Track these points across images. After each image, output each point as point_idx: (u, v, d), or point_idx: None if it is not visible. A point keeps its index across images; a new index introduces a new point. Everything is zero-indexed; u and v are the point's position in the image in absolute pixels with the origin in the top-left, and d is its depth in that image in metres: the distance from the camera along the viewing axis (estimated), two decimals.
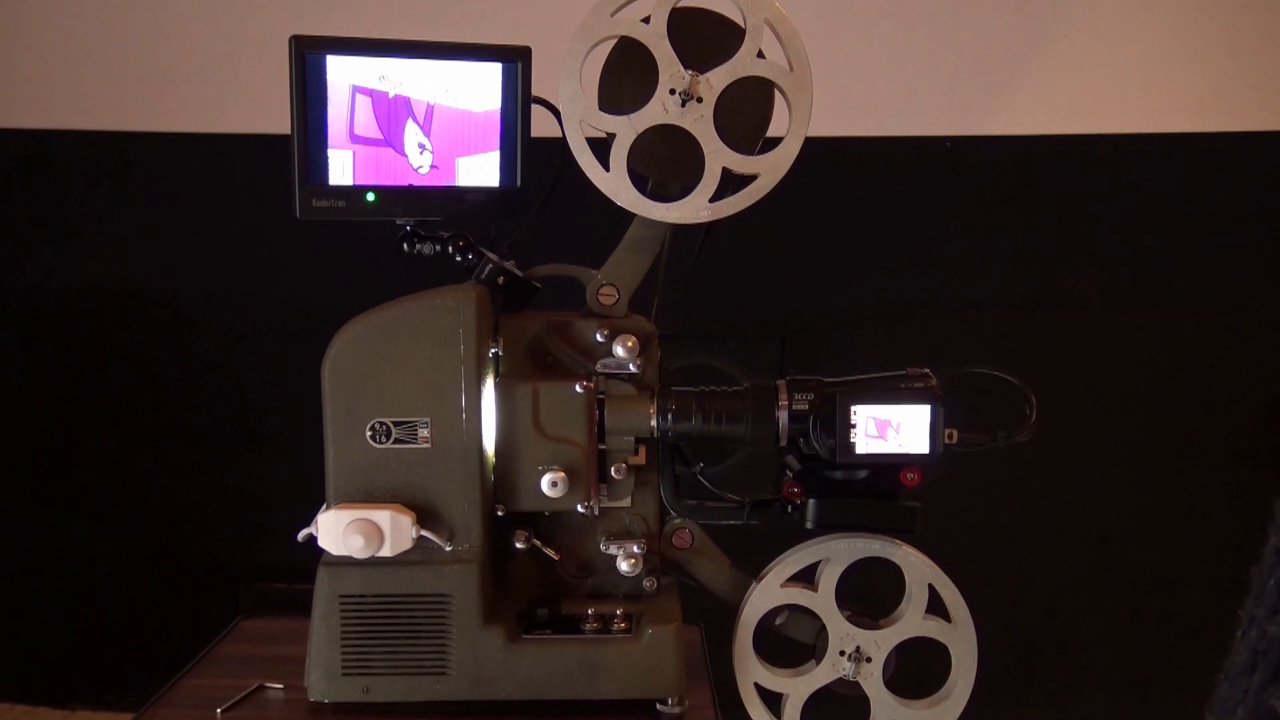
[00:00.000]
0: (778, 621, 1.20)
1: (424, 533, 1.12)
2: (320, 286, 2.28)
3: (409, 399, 1.13)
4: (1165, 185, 2.35)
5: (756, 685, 1.19)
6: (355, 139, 1.13)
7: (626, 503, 1.20)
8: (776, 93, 1.13)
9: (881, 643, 1.17)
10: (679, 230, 1.16)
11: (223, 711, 1.18)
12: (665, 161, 1.14)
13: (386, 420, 1.13)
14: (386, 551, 1.11)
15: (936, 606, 1.17)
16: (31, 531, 2.54)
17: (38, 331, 2.52)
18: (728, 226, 1.15)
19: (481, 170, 1.18)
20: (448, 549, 1.14)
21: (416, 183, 1.16)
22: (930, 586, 1.16)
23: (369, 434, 1.13)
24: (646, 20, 1.10)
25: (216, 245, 2.46)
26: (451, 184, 1.17)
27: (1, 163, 2.48)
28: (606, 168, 1.11)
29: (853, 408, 1.09)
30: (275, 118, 1.17)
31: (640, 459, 1.18)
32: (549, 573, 1.21)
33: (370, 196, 1.14)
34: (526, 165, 1.19)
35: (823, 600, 1.17)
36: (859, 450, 1.10)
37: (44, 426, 2.54)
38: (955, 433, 1.11)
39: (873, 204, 2.39)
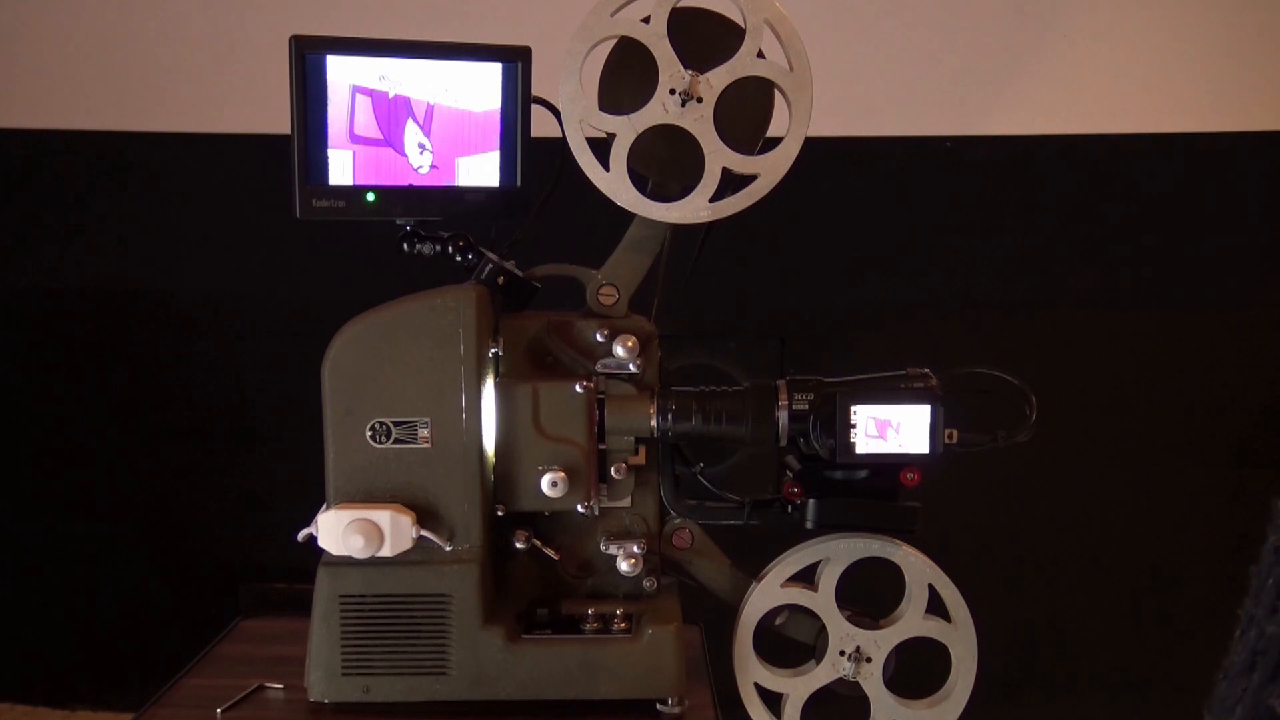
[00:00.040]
0: (778, 621, 1.20)
1: (424, 533, 1.12)
2: (320, 286, 2.28)
3: (409, 399, 1.13)
4: (1165, 185, 2.36)
5: (756, 685, 1.19)
6: (355, 139, 1.13)
7: (626, 503, 1.20)
8: (776, 93, 1.13)
9: (881, 643, 1.17)
10: (679, 230, 1.16)
11: (223, 711, 1.18)
12: (665, 161, 1.14)
13: (386, 420, 1.13)
14: (386, 551, 1.11)
15: (936, 606, 1.17)
16: (31, 531, 2.54)
17: (38, 331, 2.52)
18: (728, 226, 1.15)
19: (481, 170, 1.18)
20: (448, 549, 1.14)
21: (416, 183, 1.16)
22: (930, 586, 1.16)
23: (369, 434, 1.13)
24: (646, 20, 1.10)
25: (216, 245, 2.46)
26: (451, 184, 1.17)
27: (1, 163, 2.48)
28: (606, 168, 1.11)
29: (853, 408, 1.09)
30: (275, 118, 1.17)
31: (640, 459, 1.18)
32: (549, 573, 1.21)
33: (370, 196, 1.14)
34: (526, 165, 1.19)
35: (823, 600, 1.17)
36: (859, 450, 1.10)
37: (44, 426, 2.54)
38: (955, 433, 1.11)
39: (873, 204, 2.39)
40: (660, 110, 1.10)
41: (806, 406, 1.12)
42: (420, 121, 1.15)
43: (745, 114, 1.13)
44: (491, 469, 1.16)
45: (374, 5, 2.35)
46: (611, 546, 1.19)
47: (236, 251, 2.45)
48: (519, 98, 1.17)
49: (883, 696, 1.18)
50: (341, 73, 1.10)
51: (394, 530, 1.11)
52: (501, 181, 1.19)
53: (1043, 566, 2.42)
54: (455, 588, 1.13)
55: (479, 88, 1.16)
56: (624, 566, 1.18)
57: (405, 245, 1.19)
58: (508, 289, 1.19)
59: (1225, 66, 2.31)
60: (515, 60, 1.16)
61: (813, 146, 1.11)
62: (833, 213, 2.32)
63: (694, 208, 1.12)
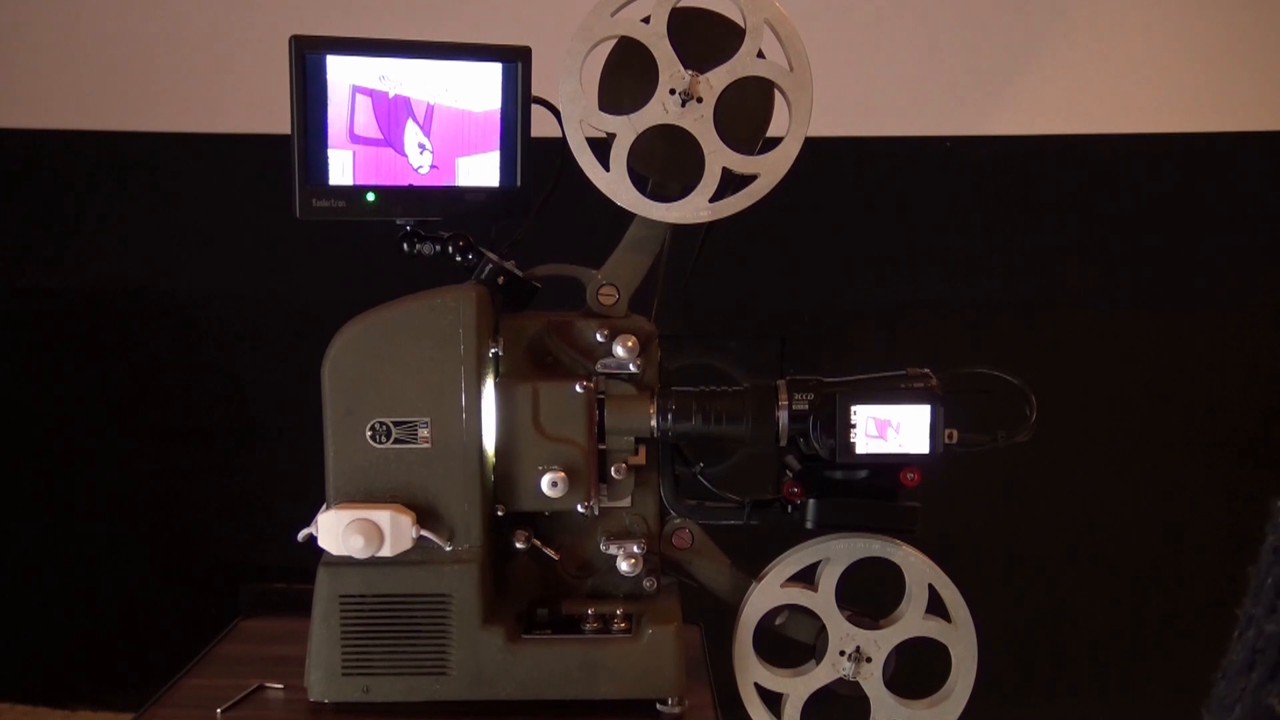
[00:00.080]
0: (778, 621, 1.20)
1: (424, 533, 1.12)
2: (320, 286, 2.28)
3: (409, 399, 1.13)
4: (1165, 185, 2.35)
5: (756, 685, 1.19)
6: (355, 139, 1.13)
7: (626, 503, 1.20)
8: (776, 93, 1.13)
9: (881, 643, 1.17)
10: (679, 230, 1.16)
11: (223, 711, 1.18)
12: (665, 161, 1.14)
13: (386, 420, 1.13)
14: (386, 551, 1.11)
15: (936, 606, 1.17)
16: (31, 531, 2.54)
17: (38, 331, 2.52)
18: (728, 226, 1.15)
19: (481, 170, 1.18)
20: (448, 549, 1.14)
21: (416, 183, 1.16)
22: (930, 586, 1.16)
23: (369, 434, 1.13)
24: (646, 20, 1.10)
25: (216, 245, 2.46)
26: (451, 184, 1.17)
27: (1, 163, 2.48)
28: (606, 168, 1.11)
29: (853, 408, 1.09)
30: (275, 118, 1.17)
31: (640, 459, 1.18)
32: (549, 573, 1.21)
33: (370, 196, 1.14)
34: (526, 165, 1.19)
35: (823, 600, 1.17)
36: (859, 450, 1.10)
37: (44, 426, 2.54)
38: (955, 433, 1.11)
39: (873, 204, 2.39)
40: (660, 110, 1.10)
41: (806, 406, 1.12)
42: (420, 121, 1.15)
43: (745, 114, 1.13)
44: (491, 469, 1.16)
45: (374, 5, 2.35)
46: (611, 546, 1.19)
47: (236, 251, 2.45)
48: (519, 98, 1.17)
49: (883, 696, 1.18)
50: (341, 73, 1.10)
51: (394, 530, 1.11)
52: (501, 181, 1.19)
53: (1043, 566, 2.42)
54: (455, 588, 1.13)
55: (479, 88, 1.16)
56: (624, 566, 1.18)
57: (405, 245, 1.19)
58: (508, 289, 1.19)
59: (1225, 66, 2.31)
60: (515, 60, 1.16)
61: (813, 146, 1.11)
62: (833, 213, 2.32)
63: (694, 208, 1.12)
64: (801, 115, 1.11)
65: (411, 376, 1.12)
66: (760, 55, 1.10)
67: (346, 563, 1.13)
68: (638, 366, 1.16)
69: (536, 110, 1.18)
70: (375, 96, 1.13)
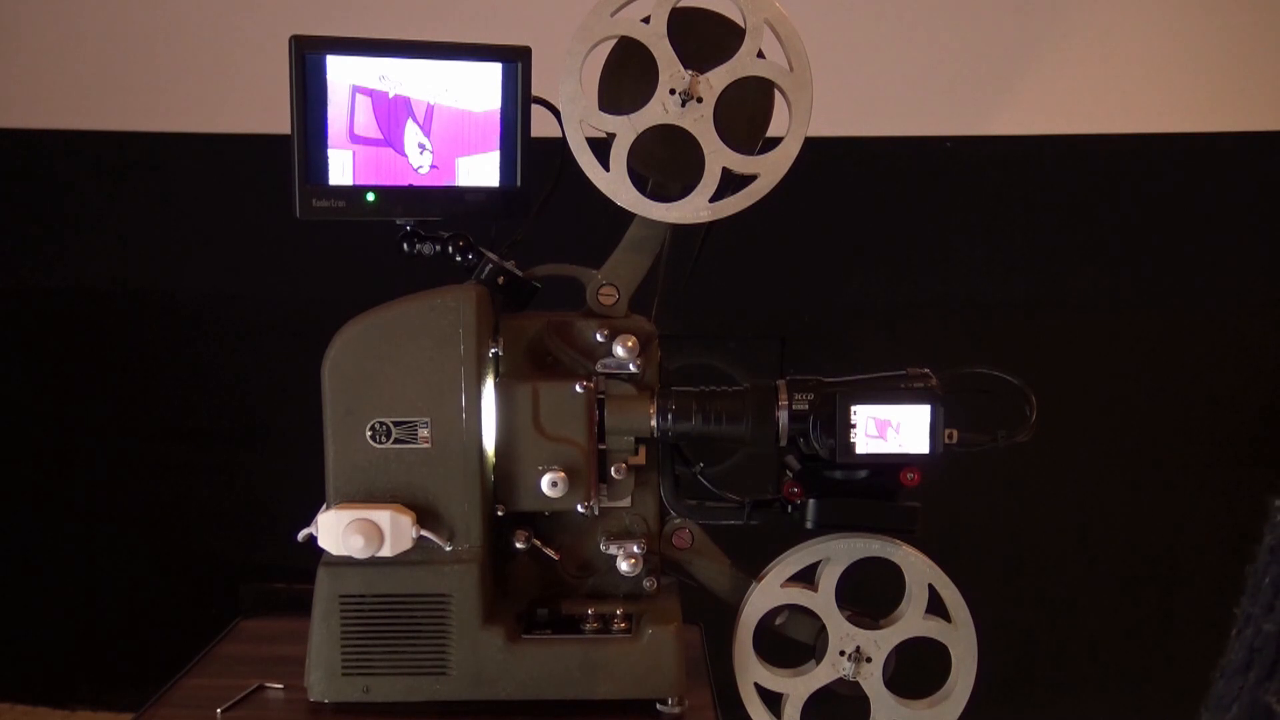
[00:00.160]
0: (778, 621, 1.20)
1: (424, 533, 1.12)
2: (320, 286, 2.28)
3: (409, 399, 1.13)
4: (1165, 185, 2.35)
5: (756, 685, 1.19)
6: (355, 139, 1.13)
7: (626, 503, 1.20)
8: (776, 93, 1.13)
9: (881, 643, 1.17)
10: (679, 230, 1.16)
11: (223, 711, 1.18)
12: (665, 161, 1.14)
13: (386, 420, 1.13)
14: (386, 551, 1.11)
15: (936, 606, 1.17)
16: (31, 531, 2.54)
17: (38, 331, 2.52)
18: (728, 226, 1.15)
19: (481, 170, 1.18)
20: (448, 549, 1.14)
21: (416, 183, 1.16)
22: (930, 586, 1.16)
23: (369, 434, 1.13)
24: (646, 20, 1.10)
25: (216, 245, 2.46)
26: (451, 184, 1.17)
27: (1, 163, 2.48)
28: (606, 168, 1.11)
29: (853, 408, 1.09)
30: (275, 118, 1.17)
31: (640, 459, 1.18)
32: (549, 573, 1.21)
33: (370, 196, 1.14)
34: (526, 165, 1.19)
35: (823, 600, 1.17)
36: (859, 450, 1.10)
37: (44, 426, 2.54)
38: (955, 433, 1.11)
39: (873, 204, 2.39)
40: (660, 110, 1.10)
41: (806, 406, 1.12)
42: (420, 121, 1.15)
43: (745, 114, 1.13)
44: (491, 469, 1.16)
45: (374, 5, 2.35)
46: (611, 546, 1.19)
47: (236, 251, 2.45)
48: (519, 98, 1.17)
49: (883, 696, 1.18)
50: (341, 73, 1.10)
51: (394, 530, 1.11)
52: (501, 181, 1.19)
53: (1043, 566, 2.42)
54: (455, 588, 1.13)
55: (479, 88, 1.16)
56: (624, 566, 1.18)
57: (405, 245, 1.19)
58: (508, 289, 1.19)
59: (1225, 66, 2.31)
60: (515, 60, 1.16)
61: (813, 146, 1.11)
62: (833, 213, 2.32)
63: (694, 208, 1.12)
64: (801, 115, 1.11)
65: (411, 376, 1.12)
66: (760, 55, 1.10)
67: (346, 563, 1.13)
68: (638, 366, 1.16)
69: (536, 110, 1.18)
70: (375, 96, 1.13)
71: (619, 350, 1.16)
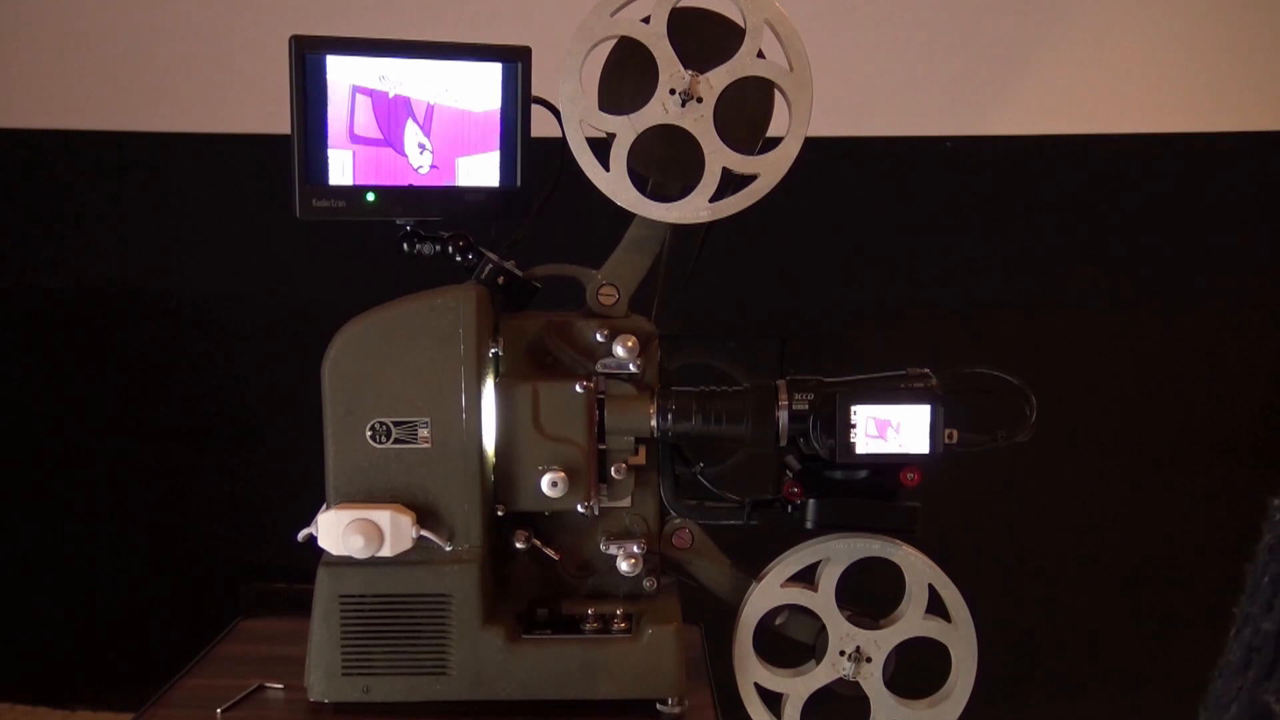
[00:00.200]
0: (778, 621, 1.20)
1: (424, 533, 1.12)
2: (320, 286, 2.28)
3: (409, 399, 1.13)
4: (1165, 185, 2.36)
5: (756, 685, 1.19)
6: (355, 139, 1.13)
7: (626, 503, 1.20)
8: (776, 93, 1.13)
9: (881, 643, 1.17)
10: (679, 230, 1.16)
11: (223, 711, 1.18)
12: (665, 161, 1.14)
13: (386, 420, 1.13)
14: (386, 551, 1.11)
15: (936, 606, 1.17)
16: (31, 531, 2.54)
17: (38, 331, 2.52)
18: (728, 226, 1.15)
19: (481, 170, 1.18)
20: (448, 549, 1.14)
21: (416, 183, 1.16)
22: (930, 586, 1.16)
23: (369, 434, 1.13)
24: (646, 20, 1.10)
25: (216, 245, 2.46)
26: (451, 184, 1.17)
27: (1, 163, 2.48)
28: (606, 168, 1.11)
29: (853, 408, 1.09)
30: (275, 118, 1.17)
31: (640, 459, 1.18)
32: (549, 573, 1.21)
33: (370, 196, 1.14)
34: (526, 165, 1.19)
35: (823, 600, 1.17)
36: (859, 450, 1.09)
37: (44, 426, 2.54)
38: (955, 433, 1.11)
39: (873, 204, 2.39)
40: (660, 110, 1.10)
41: (806, 406, 1.12)
42: (420, 121, 1.15)
43: (745, 114, 1.13)
44: (491, 469, 1.16)
45: (374, 5, 2.35)
46: (611, 546, 1.19)
47: (236, 251, 2.45)
48: (519, 98, 1.17)
49: (883, 696, 1.18)
50: (341, 73, 1.10)
51: (394, 530, 1.11)
52: (501, 181, 1.19)
53: (1043, 566, 2.42)
54: (455, 588, 1.13)
55: (479, 88, 1.16)
56: (624, 566, 1.18)
57: (405, 245, 1.19)
58: (508, 289, 1.19)
59: (1225, 66, 2.31)
60: (515, 60, 1.16)
61: (813, 146, 1.11)
62: (833, 213, 2.32)
63: (694, 208, 1.12)
64: (801, 115, 1.11)
65: (411, 376, 1.12)
66: (760, 55, 1.10)
67: (346, 563, 1.13)
68: (638, 366, 1.16)
69: (536, 110, 1.18)
70: (375, 96, 1.13)
71: (619, 350, 1.16)
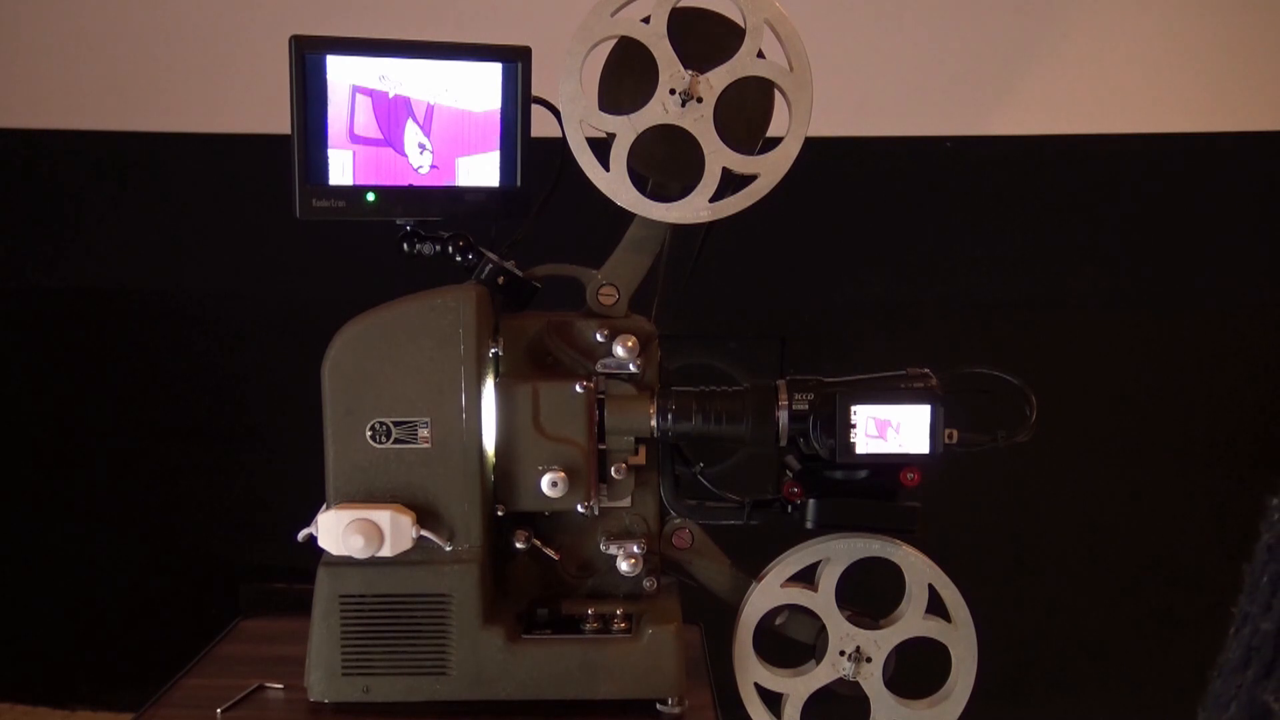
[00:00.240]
0: (778, 621, 1.20)
1: (424, 533, 1.12)
2: (320, 286, 2.28)
3: (409, 399, 1.13)
4: (1165, 185, 2.36)
5: (756, 685, 1.19)
6: (355, 139, 1.13)
7: (626, 503, 1.20)
8: (776, 93, 1.13)
9: (881, 643, 1.17)
10: (679, 230, 1.16)
11: (223, 711, 1.18)
12: (665, 161, 1.14)
13: (386, 420, 1.13)
14: (386, 551, 1.11)
15: (936, 606, 1.17)
16: (31, 531, 2.54)
17: (38, 331, 2.52)
18: (728, 226, 1.15)
19: (481, 170, 1.18)
20: (448, 549, 1.14)
21: (416, 183, 1.16)
22: (930, 586, 1.16)
23: (369, 434, 1.13)
24: (646, 20, 1.10)
25: (216, 245, 2.46)
26: (451, 184, 1.17)
27: (1, 163, 2.48)
28: (606, 168, 1.11)
29: (853, 408, 1.09)
30: (275, 118, 1.17)
31: (640, 459, 1.18)
32: (549, 573, 1.21)
33: (370, 196, 1.14)
34: (526, 165, 1.19)
35: (823, 600, 1.17)
36: (859, 450, 1.09)
37: (44, 426, 2.54)
38: (955, 433, 1.11)
39: (873, 204, 2.39)
40: (660, 110, 1.10)
41: (806, 406, 1.12)
42: (420, 121, 1.15)
43: (745, 114, 1.13)
44: (491, 469, 1.16)
45: (374, 5, 2.35)
46: (611, 546, 1.19)
47: (236, 251, 2.45)
48: (519, 98, 1.17)
49: (883, 696, 1.18)
50: (341, 73, 1.10)
51: (394, 530, 1.11)
52: (501, 181, 1.19)
53: (1043, 566, 2.42)
54: (455, 588, 1.13)
55: (479, 88, 1.16)
56: (624, 566, 1.18)
57: (405, 245, 1.19)
58: (508, 289, 1.19)
59: (1225, 66, 2.31)
60: (515, 60, 1.16)
61: (813, 146, 1.11)
62: (833, 213, 2.32)
63: (694, 208, 1.12)
64: (801, 115, 1.11)
65: (411, 376, 1.12)
66: (760, 55, 1.10)
67: (346, 563, 1.13)
68: (638, 366, 1.16)
69: (536, 110, 1.18)
70: (375, 96, 1.13)
71: (619, 350, 1.16)
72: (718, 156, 1.10)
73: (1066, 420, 1.93)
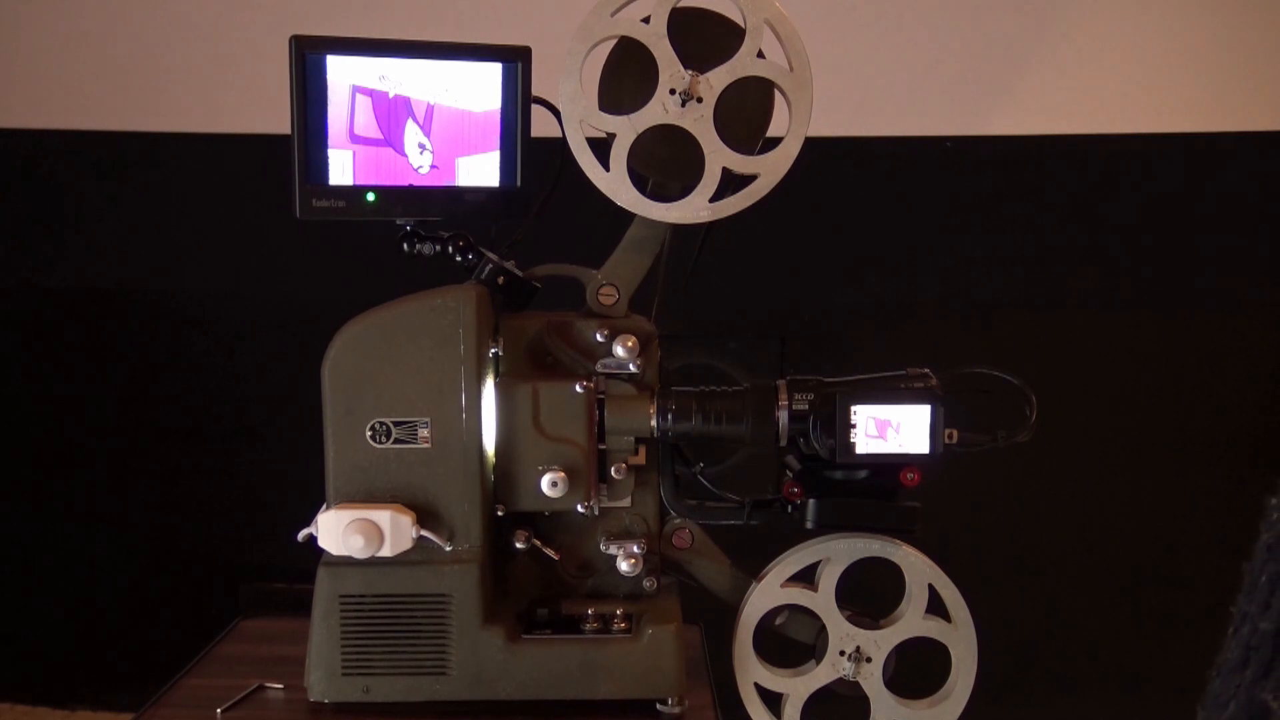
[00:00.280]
0: (778, 621, 1.19)
1: (424, 533, 1.12)
2: (320, 286, 2.28)
3: (409, 399, 1.13)
4: (1165, 185, 2.36)
5: (756, 685, 1.19)
6: (355, 139, 1.13)
7: (626, 503, 1.20)
8: (776, 93, 1.13)
9: (881, 643, 1.17)
10: (679, 230, 1.16)
11: (223, 711, 1.18)
12: (665, 161, 1.14)
13: (386, 420, 1.13)
14: (386, 551, 1.11)
15: (936, 606, 1.17)
16: (31, 531, 2.54)
17: (38, 331, 2.52)
18: (728, 226, 1.15)
19: (481, 170, 1.18)
20: (448, 549, 1.14)
21: (416, 183, 1.16)
22: (930, 586, 1.16)
23: (369, 434, 1.13)
24: (646, 20, 1.10)
25: (216, 245, 2.46)
26: (451, 184, 1.17)
27: (1, 163, 2.48)
28: (606, 168, 1.11)
29: (853, 408, 1.09)
30: (275, 118, 1.17)
31: (640, 459, 1.18)
32: (549, 573, 1.21)
33: (370, 196, 1.14)
34: (526, 165, 1.19)
35: (823, 600, 1.17)
36: (859, 450, 1.09)
37: (44, 426, 2.54)
38: (955, 433, 1.11)
39: (873, 204, 2.39)
40: (660, 110, 1.10)
41: (806, 406, 1.12)
42: (420, 121, 1.15)
43: (745, 114, 1.13)
44: (491, 469, 1.16)
45: (374, 5, 2.35)
46: (611, 546, 1.19)
47: (236, 251, 2.45)
48: (519, 98, 1.17)
49: (883, 696, 1.18)
50: (341, 73, 1.10)
51: (394, 530, 1.11)
52: (501, 181, 1.19)
53: (1043, 566, 2.42)
54: (455, 588, 1.13)
55: (479, 88, 1.16)
56: (624, 566, 1.18)
57: (405, 245, 1.19)
58: (508, 289, 1.19)
59: (1225, 66, 2.31)
60: (515, 60, 1.16)
61: (813, 146, 1.11)
62: (833, 213, 2.32)
63: (694, 208, 1.12)
64: (801, 115, 1.11)
65: (411, 376, 1.12)
66: (760, 55, 1.10)
67: (346, 563, 1.13)
68: (638, 366, 1.16)
69: (536, 110, 1.18)
70: (375, 96, 1.13)
71: (619, 350, 1.16)
72: (718, 156, 1.10)
73: (1066, 420, 1.93)
